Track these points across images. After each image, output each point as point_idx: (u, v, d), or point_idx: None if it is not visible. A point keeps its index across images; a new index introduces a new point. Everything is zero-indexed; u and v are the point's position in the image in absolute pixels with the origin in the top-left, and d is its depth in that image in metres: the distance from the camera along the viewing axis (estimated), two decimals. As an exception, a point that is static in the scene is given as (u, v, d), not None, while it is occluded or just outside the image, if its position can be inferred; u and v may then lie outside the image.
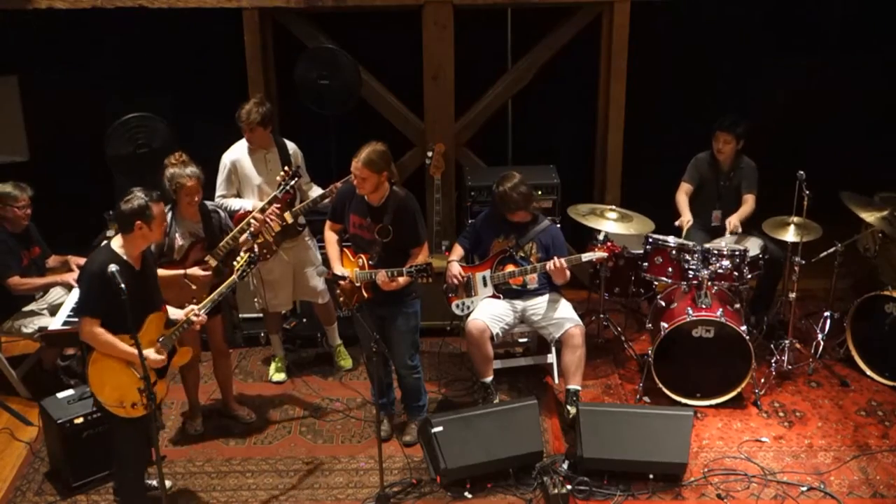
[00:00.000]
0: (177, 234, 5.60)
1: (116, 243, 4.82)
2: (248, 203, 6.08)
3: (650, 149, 7.65)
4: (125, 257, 4.78)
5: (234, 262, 5.42)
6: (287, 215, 5.98)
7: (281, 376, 6.64)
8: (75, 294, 6.21)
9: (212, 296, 5.26)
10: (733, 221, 6.56)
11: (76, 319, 5.82)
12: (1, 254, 6.15)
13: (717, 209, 6.77)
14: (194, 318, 5.09)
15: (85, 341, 4.86)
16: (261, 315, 6.85)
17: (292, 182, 5.89)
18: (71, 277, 6.27)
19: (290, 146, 6.29)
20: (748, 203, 6.69)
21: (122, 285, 4.54)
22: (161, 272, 5.45)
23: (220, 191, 6.14)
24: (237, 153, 6.16)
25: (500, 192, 6.02)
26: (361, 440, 6.06)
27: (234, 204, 6.07)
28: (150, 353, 4.85)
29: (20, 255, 6.26)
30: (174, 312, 5.13)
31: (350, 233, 5.69)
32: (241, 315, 7.04)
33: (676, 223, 6.69)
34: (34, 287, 6.25)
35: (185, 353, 5.19)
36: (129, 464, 5.13)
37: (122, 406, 4.87)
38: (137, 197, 4.78)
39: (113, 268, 4.60)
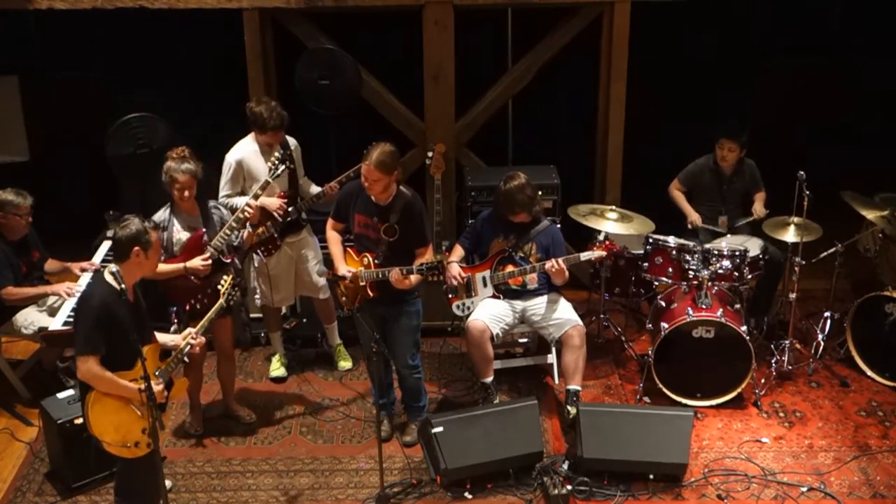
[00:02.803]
0: (175, 229, 5.61)
1: (110, 274, 4.67)
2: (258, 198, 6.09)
3: (650, 149, 7.66)
4: (117, 286, 4.61)
5: (219, 286, 5.38)
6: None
7: (281, 371, 6.63)
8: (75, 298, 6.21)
9: (202, 321, 5.19)
10: (760, 209, 6.68)
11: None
12: None
13: (723, 215, 6.77)
14: (193, 342, 5.02)
15: (83, 380, 4.66)
16: (259, 315, 6.86)
17: (282, 167, 5.90)
18: (62, 289, 6.17)
19: (291, 141, 6.34)
20: (761, 196, 6.81)
21: (122, 285, 4.53)
22: (163, 267, 5.46)
23: (224, 190, 6.15)
24: (241, 152, 6.17)
25: (504, 190, 5.99)
26: (361, 440, 6.06)
27: (240, 202, 6.06)
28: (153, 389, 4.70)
29: (18, 264, 6.19)
30: (167, 339, 5.05)
31: (355, 232, 5.69)
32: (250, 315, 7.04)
33: (689, 226, 6.72)
34: (26, 297, 6.17)
35: (183, 384, 5.15)
36: (141, 499, 4.98)
37: (126, 447, 4.73)
38: (134, 222, 4.70)
39: (114, 267, 4.58)
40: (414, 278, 5.49)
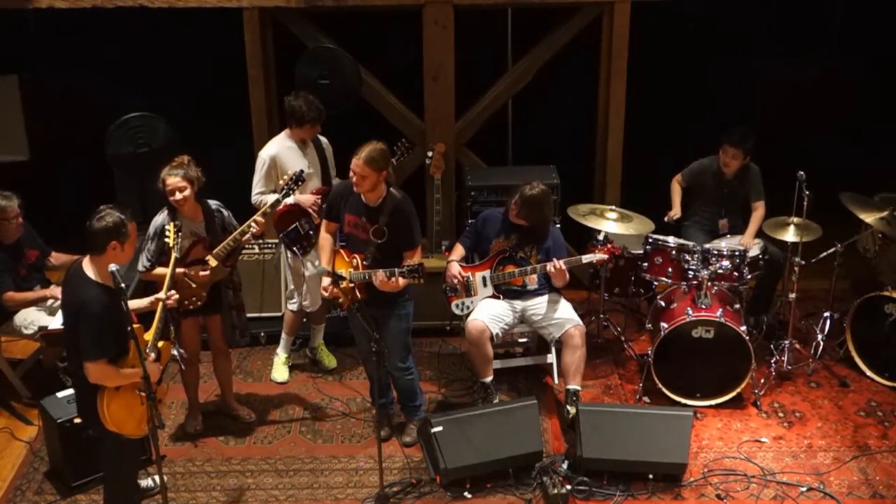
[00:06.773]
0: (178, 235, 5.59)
1: (89, 270, 4.59)
2: (289, 198, 6.08)
3: (650, 149, 7.66)
4: (101, 281, 4.58)
5: (166, 238, 5.31)
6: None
7: (285, 375, 6.64)
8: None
9: (167, 277, 5.16)
10: (749, 242, 6.56)
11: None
12: None
13: (723, 217, 6.75)
14: (169, 303, 5.03)
15: (97, 383, 4.63)
16: (258, 315, 6.87)
17: (296, 187, 5.88)
18: (60, 292, 6.17)
19: (323, 140, 6.39)
20: (758, 211, 6.69)
21: (122, 285, 4.52)
22: (160, 270, 5.44)
23: (257, 188, 6.16)
24: (275, 148, 6.19)
25: (527, 194, 5.94)
26: (361, 440, 6.06)
27: (272, 199, 6.02)
28: (150, 367, 4.71)
29: (16, 267, 6.15)
30: (134, 304, 5.01)
31: (345, 232, 5.69)
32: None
33: (665, 218, 6.71)
34: (27, 301, 6.14)
35: (166, 347, 5.10)
36: (126, 475, 5.03)
37: (141, 429, 4.79)
38: (111, 214, 4.54)
39: (113, 267, 4.56)
40: (402, 281, 5.49)
